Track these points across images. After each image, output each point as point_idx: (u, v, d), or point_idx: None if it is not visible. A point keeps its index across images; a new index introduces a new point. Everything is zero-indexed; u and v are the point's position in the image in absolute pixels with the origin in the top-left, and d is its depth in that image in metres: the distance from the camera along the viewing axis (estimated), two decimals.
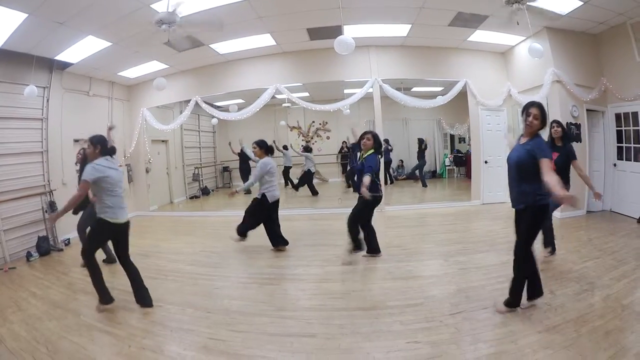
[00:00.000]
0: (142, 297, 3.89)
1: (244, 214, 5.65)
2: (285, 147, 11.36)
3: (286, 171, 11.53)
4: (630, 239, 5.35)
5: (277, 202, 5.56)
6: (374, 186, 4.60)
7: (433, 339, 2.93)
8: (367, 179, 4.39)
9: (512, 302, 3.31)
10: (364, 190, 4.30)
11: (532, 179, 3.06)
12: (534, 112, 3.13)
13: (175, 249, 6.11)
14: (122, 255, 3.95)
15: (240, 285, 4.44)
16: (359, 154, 5.04)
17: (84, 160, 5.36)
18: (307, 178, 10.87)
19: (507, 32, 7.28)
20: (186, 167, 11.99)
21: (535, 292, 3.35)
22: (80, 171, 5.26)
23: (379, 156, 4.81)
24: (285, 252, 5.52)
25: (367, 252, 5.02)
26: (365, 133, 4.82)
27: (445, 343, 2.85)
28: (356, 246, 4.90)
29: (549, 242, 4.65)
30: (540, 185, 2.99)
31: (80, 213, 5.45)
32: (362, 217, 4.86)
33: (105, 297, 3.82)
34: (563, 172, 4.20)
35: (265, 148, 5.56)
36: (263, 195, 5.39)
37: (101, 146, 3.84)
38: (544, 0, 5.21)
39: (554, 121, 4.53)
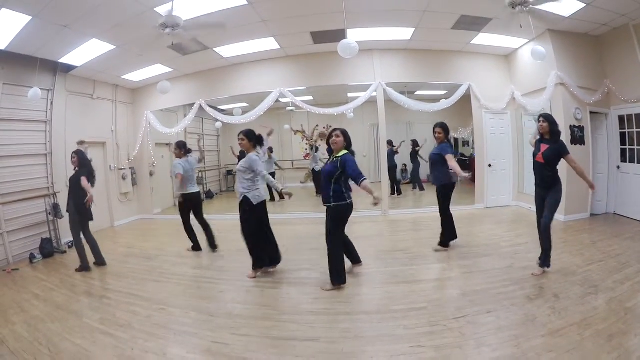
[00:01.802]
0: (213, 245, 6.11)
1: (247, 244, 4.78)
2: (270, 150, 10.53)
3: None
4: (634, 242, 5.32)
5: (263, 205, 4.74)
6: (339, 195, 4.02)
7: (437, 343, 2.91)
8: (366, 183, 3.86)
9: (443, 242, 5.42)
10: (376, 196, 3.79)
11: (438, 168, 5.21)
12: (437, 130, 5.28)
13: (179, 252, 6.11)
14: (199, 216, 6.18)
15: (244, 288, 4.41)
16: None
17: (79, 163, 5.53)
18: (315, 177, 10.91)
19: (510, 35, 7.28)
20: None
21: (452, 236, 5.45)
22: (78, 173, 5.47)
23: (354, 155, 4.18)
24: (288, 257, 5.42)
25: (352, 265, 4.63)
26: (333, 130, 4.22)
27: (449, 347, 2.84)
28: (338, 279, 4.14)
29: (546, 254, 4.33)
30: (443, 172, 5.18)
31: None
32: (340, 233, 4.21)
33: (195, 245, 6.18)
34: (551, 166, 4.27)
35: (254, 140, 4.75)
36: (244, 197, 4.57)
37: (184, 149, 6.05)
38: (547, 3, 5.22)
39: (541, 115, 4.46)
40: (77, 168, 5.55)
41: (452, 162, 4.96)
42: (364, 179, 3.86)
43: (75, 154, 5.61)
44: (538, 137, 4.51)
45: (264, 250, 4.73)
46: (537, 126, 4.46)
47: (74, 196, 5.46)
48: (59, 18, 5.23)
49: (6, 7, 4.73)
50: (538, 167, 4.38)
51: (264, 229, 4.77)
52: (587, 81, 7.13)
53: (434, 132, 5.31)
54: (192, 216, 6.14)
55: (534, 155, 4.42)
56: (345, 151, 4.10)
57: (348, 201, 4.08)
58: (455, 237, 5.48)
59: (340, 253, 4.19)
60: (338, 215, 4.10)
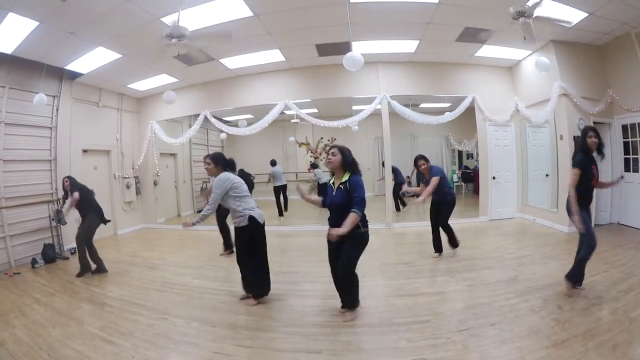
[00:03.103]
0: (229, 245, 6.53)
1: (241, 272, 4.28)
2: (273, 163, 10.22)
3: (278, 192, 10.22)
4: (637, 251, 5.30)
5: (261, 227, 4.10)
6: (364, 221, 3.52)
7: (440, 355, 2.88)
8: (354, 219, 3.32)
9: (453, 245, 5.64)
10: (334, 233, 3.29)
11: (438, 189, 5.35)
12: (420, 162, 5.50)
13: (182, 262, 6.09)
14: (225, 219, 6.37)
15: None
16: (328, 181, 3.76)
17: (72, 189, 5.67)
18: (321, 189, 10.93)
19: (514, 47, 7.32)
20: (194, 181, 12.03)
21: (442, 245, 5.68)
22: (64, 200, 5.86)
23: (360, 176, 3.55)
24: (292, 270, 5.42)
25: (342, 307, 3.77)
26: (331, 148, 3.58)
27: None
28: (354, 301, 3.73)
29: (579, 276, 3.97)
30: (447, 188, 5.51)
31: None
32: (356, 261, 3.55)
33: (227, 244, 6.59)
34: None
35: (222, 165, 4.17)
36: (250, 218, 3.97)
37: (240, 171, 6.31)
38: (550, 14, 5.25)
39: (590, 129, 3.85)
40: (68, 191, 5.70)
41: (431, 185, 5.36)
42: (355, 212, 3.33)
43: (68, 178, 5.74)
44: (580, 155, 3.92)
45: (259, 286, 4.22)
46: (588, 142, 3.85)
47: (86, 212, 5.62)
48: (66, 25, 5.31)
49: (14, 12, 4.80)
50: (593, 190, 3.94)
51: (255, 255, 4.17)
52: (591, 91, 7.14)
53: (419, 166, 5.54)
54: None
55: (591, 179, 3.88)
56: (348, 174, 3.51)
57: (368, 227, 3.58)
58: (441, 245, 5.71)
59: (355, 281, 3.66)
60: (365, 243, 3.56)
